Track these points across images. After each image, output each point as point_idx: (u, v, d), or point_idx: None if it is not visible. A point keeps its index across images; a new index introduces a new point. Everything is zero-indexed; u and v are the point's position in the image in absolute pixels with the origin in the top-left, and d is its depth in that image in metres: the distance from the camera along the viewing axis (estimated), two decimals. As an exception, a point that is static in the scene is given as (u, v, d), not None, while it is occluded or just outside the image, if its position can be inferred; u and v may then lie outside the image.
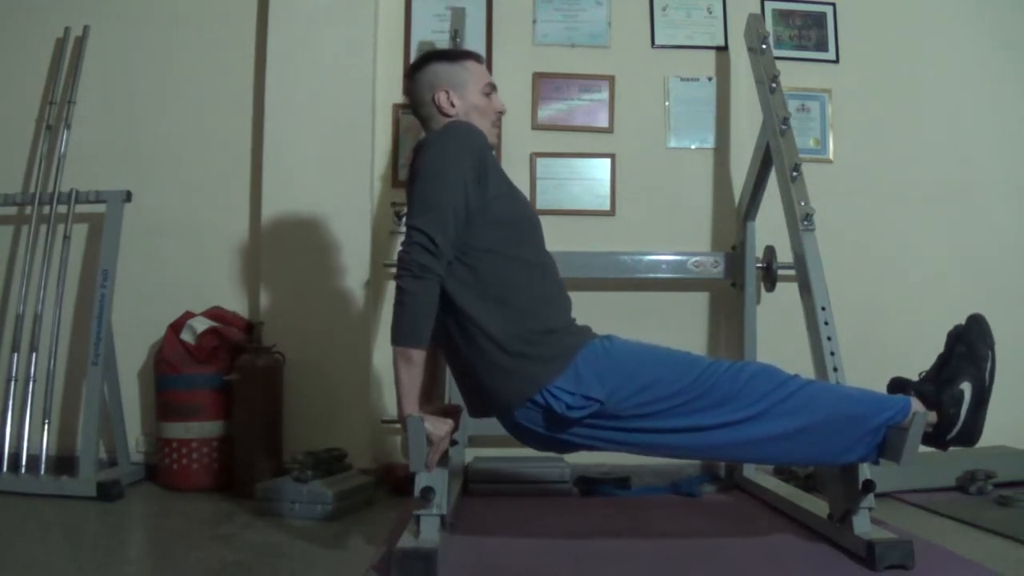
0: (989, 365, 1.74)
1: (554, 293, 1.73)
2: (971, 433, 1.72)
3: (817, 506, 2.09)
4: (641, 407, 1.62)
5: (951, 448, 1.76)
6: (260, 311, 2.81)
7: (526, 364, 1.62)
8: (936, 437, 1.71)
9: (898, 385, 1.78)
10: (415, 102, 1.89)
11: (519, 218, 1.74)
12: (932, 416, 1.69)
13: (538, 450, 1.79)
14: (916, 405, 1.70)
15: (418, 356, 1.63)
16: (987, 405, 1.73)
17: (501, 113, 1.91)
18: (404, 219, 2.33)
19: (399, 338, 1.62)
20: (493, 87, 1.90)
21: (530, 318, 1.64)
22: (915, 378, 1.78)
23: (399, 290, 1.61)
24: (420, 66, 1.88)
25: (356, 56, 2.89)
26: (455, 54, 1.92)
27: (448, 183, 1.65)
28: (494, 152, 1.90)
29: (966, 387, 1.71)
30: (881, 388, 1.81)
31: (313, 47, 2.87)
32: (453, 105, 1.83)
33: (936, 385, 1.72)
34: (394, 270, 1.70)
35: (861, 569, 1.75)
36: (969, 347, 1.74)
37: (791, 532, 2.08)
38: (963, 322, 1.80)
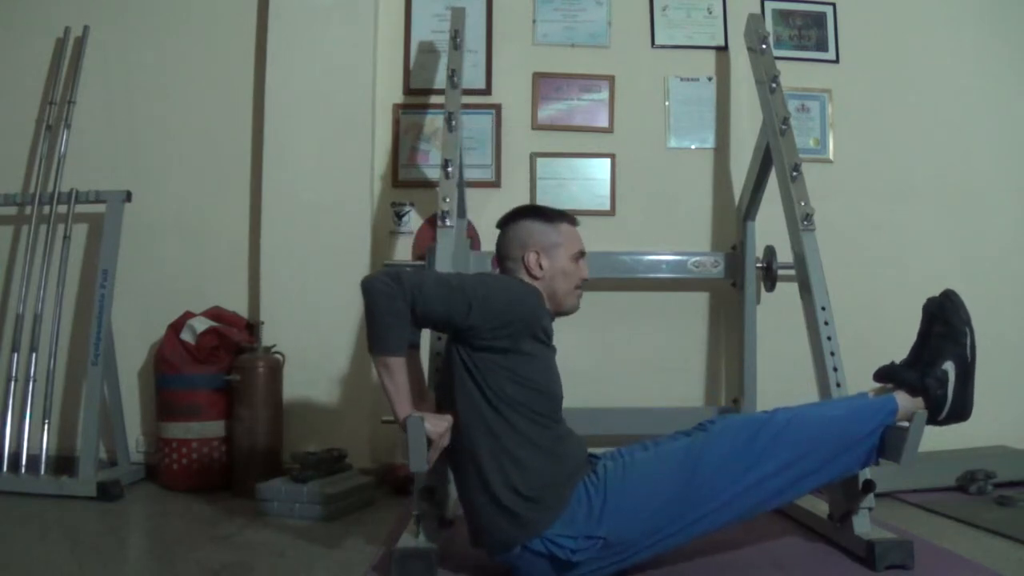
0: (969, 340, 1.72)
1: (560, 448, 1.69)
2: (962, 409, 1.71)
3: (817, 506, 2.09)
4: (646, 525, 1.61)
5: (949, 427, 1.74)
6: (260, 311, 2.81)
7: (520, 511, 1.61)
8: (928, 419, 1.70)
9: (885, 373, 1.77)
10: (502, 254, 1.86)
11: (543, 389, 1.69)
12: (920, 401, 1.69)
13: None
14: (902, 399, 1.70)
15: (396, 363, 1.63)
16: (973, 379, 1.72)
17: (585, 280, 1.89)
18: (403, 220, 2.34)
19: (374, 348, 1.63)
20: (583, 254, 1.88)
21: (535, 476, 1.63)
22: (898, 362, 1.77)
23: (364, 291, 1.60)
24: (514, 220, 1.86)
25: (356, 56, 2.89)
26: (551, 214, 1.87)
27: (479, 288, 1.64)
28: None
29: (949, 366, 1.70)
30: (881, 388, 1.81)
31: (313, 47, 2.87)
32: (541, 267, 1.81)
33: (918, 370, 1.72)
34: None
35: (861, 569, 1.75)
36: (946, 325, 1.73)
37: (791, 532, 2.08)
38: (937, 296, 1.79)
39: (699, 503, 1.62)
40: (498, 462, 1.63)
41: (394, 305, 1.59)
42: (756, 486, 1.63)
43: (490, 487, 1.63)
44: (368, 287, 1.61)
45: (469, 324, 1.62)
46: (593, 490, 1.64)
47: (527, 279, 1.81)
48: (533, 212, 1.89)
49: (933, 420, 1.70)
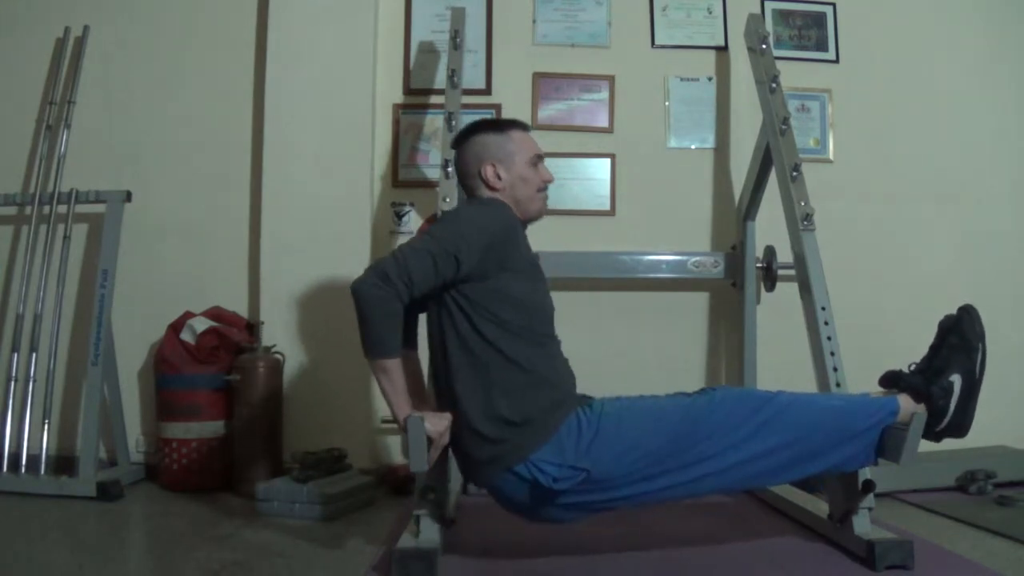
0: (980, 357, 1.72)
1: (553, 376, 1.72)
2: (961, 424, 1.71)
3: (817, 506, 2.09)
4: (630, 467, 1.62)
5: (944, 441, 1.74)
6: (260, 311, 2.81)
7: (509, 435, 1.63)
8: (927, 429, 1.70)
9: (890, 378, 1.77)
10: (461, 172, 1.89)
11: (531, 299, 1.72)
12: (922, 408, 1.69)
13: (536, 523, 1.77)
14: (904, 402, 1.70)
15: (392, 364, 1.64)
16: (977, 397, 1.72)
17: (548, 182, 1.89)
18: (403, 220, 2.34)
19: (369, 351, 1.64)
20: (540, 157, 1.89)
21: (521, 400, 1.64)
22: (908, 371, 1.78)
23: (355, 298, 1.61)
24: (466, 137, 1.88)
25: (356, 56, 2.89)
26: (502, 124, 1.89)
27: (458, 234, 1.65)
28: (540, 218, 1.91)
29: (956, 379, 1.70)
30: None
31: (313, 47, 2.87)
32: (500, 178, 1.82)
33: (925, 377, 1.72)
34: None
35: (861, 569, 1.75)
36: (961, 337, 1.73)
37: (791, 532, 2.08)
38: (955, 312, 1.79)
39: (688, 464, 1.63)
40: (487, 393, 1.64)
41: (388, 307, 1.60)
42: (748, 462, 1.64)
43: (479, 419, 1.64)
44: (359, 293, 1.60)
45: (462, 274, 1.65)
46: (586, 422, 1.65)
47: (488, 193, 1.82)
48: (483, 125, 1.90)
49: (931, 431, 1.70)
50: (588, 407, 1.69)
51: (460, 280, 1.67)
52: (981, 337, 1.73)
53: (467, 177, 1.87)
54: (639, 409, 1.69)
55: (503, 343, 1.66)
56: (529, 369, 1.67)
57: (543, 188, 1.88)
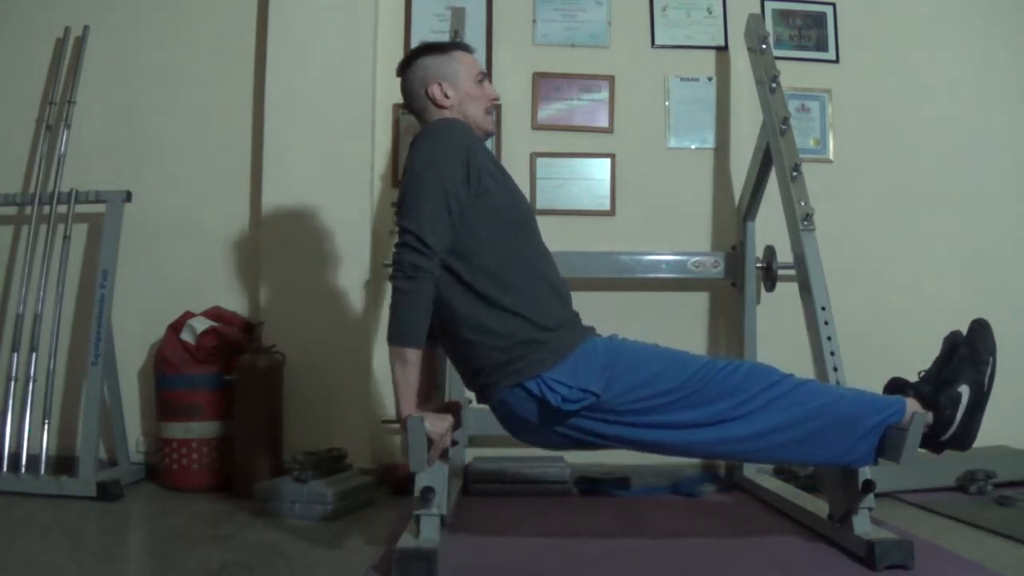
0: (989, 371, 1.73)
1: (550, 287, 1.73)
2: (966, 437, 1.72)
3: (817, 506, 2.09)
4: (637, 402, 1.63)
5: (943, 451, 1.75)
6: (260, 311, 2.81)
7: (523, 351, 1.63)
8: (930, 438, 1.70)
9: (896, 386, 1.78)
10: (408, 96, 1.90)
11: (512, 210, 1.75)
12: (929, 416, 1.69)
13: (528, 444, 1.78)
14: (912, 406, 1.70)
15: (413, 355, 1.64)
16: (983, 410, 1.72)
17: (495, 100, 1.92)
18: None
19: (394, 338, 1.64)
20: (484, 75, 1.91)
21: (526, 315, 1.65)
22: (914, 378, 1.78)
23: (394, 290, 1.64)
24: (411, 61, 1.89)
25: (356, 56, 2.89)
26: (444, 46, 1.93)
27: (436, 182, 1.66)
28: (491, 139, 1.92)
29: (964, 390, 1.71)
30: (880, 388, 1.81)
31: (313, 47, 2.87)
32: (447, 96, 1.84)
33: (934, 386, 1.72)
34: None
35: (861, 569, 1.75)
36: (972, 351, 1.74)
37: (791, 532, 2.08)
38: (958, 328, 1.80)
39: (697, 419, 1.63)
40: (481, 304, 1.65)
41: (425, 296, 1.62)
42: (754, 436, 1.64)
43: (485, 334, 1.64)
44: (399, 287, 1.62)
45: (459, 204, 1.66)
46: (603, 350, 1.67)
47: (438, 113, 1.83)
48: (425, 49, 1.91)
49: (934, 441, 1.71)
50: (611, 337, 1.72)
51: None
52: (992, 351, 1.74)
53: (414, 100, 1.88)
54: (658, 352, 1.71)
55: (491, 261, 1.67)
56: (524, 283, 1.68)
57: (490, 106, 1.90)
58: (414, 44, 2.99)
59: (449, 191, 1.65)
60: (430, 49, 1.90)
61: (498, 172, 1.80)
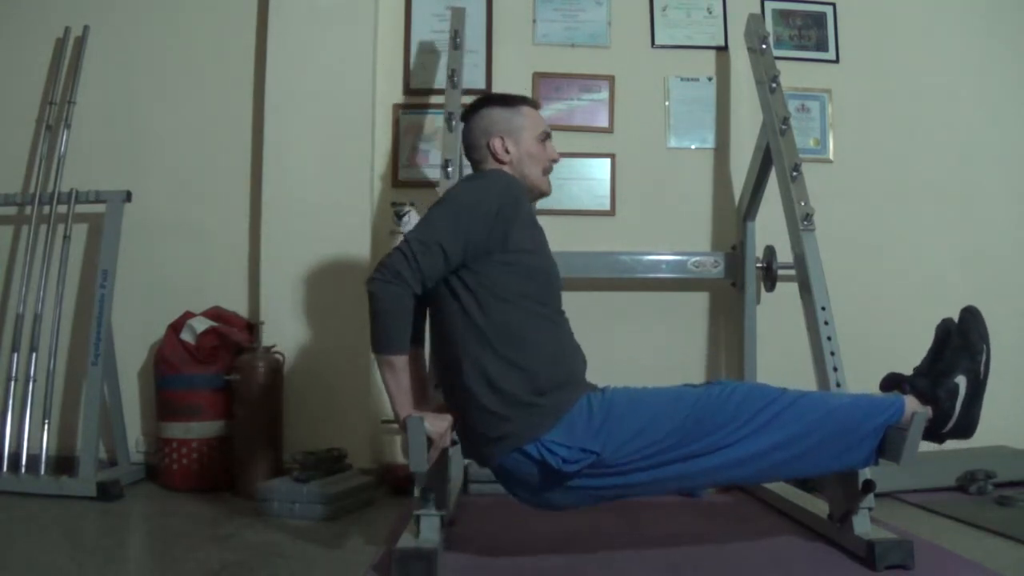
0: (984, 358, 1.72)
1: (561, 351, 1.71)
2: (967, 425, 1.71)
3: (817, 506, 2.09)
4: (638, 451, 1.61)
5: (948, 441, 1.74)
6: (260, 311, 2.81)
7: (520, 414, 1.62)
8: (932, 431, 1.70)
9: (892, 381, 1.77)
10: (468, 145, 1.88)
11: (540, 274, 1.71)
12: (928, 411, 1.69)
13: (536, 507, 1.75)
14: (910, 403, 1.70)
15: (400, 362, 1.65)
16: (982, 398, 1.72)
17: (554, 161, 1.89)
18: (403, 220, 2.35)
19: (378, 346, 1.64)
20: (548, 134, 1.89)
21: (531, 376, 1.63)
22: (911, 373, 1.78)
23: (371, 296, 1.62)
24: (475, 109, 1.87)
25: (356, 56, 2.89)
26: (512, 99, 1.89)
27: (457, 220, 1.65)
28: (546, 196, 1.92)
29: (961, 380, 1.70)
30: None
31: (313, 47, 2.87)
32: (507, 151, 1.82)
33: (930, 379, 1.72)
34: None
35: (861, 569, 1.75)
36: (965, 340, 1.73)
37: (791, 532, 2.08)
38: (950, 316, 1.79)
39: (697, 454, 1.62)
40: (497, 371, 1.63)
41: (401, 303, 1.61)
42: (756, 456, 1.63)
43: (488, 399, 1.63)
44: (374, 291, 1.61)
45: (471, 254, 1.64)
46: (597, 406, 1.64)
47: (494, 166, 1.81)
48: (493, 99, 1.90)
49: (936, 433, 1.70)
50: (600, 392, 1.69)
51: (469, 260, 1.66)
52: (985, 339, 1.73)
53: (474, 150, 1.86)
54: (651, 396, 1.69)
55: (511, 316, 1.65)
56: (539, 344, 1.66)
57: (550, 167, 1.88)
58: (414, 44, 3.03)
59: (466, 234, 1.63)
60: (497, 100, 1.88)
61: (538, 234, 1.78)
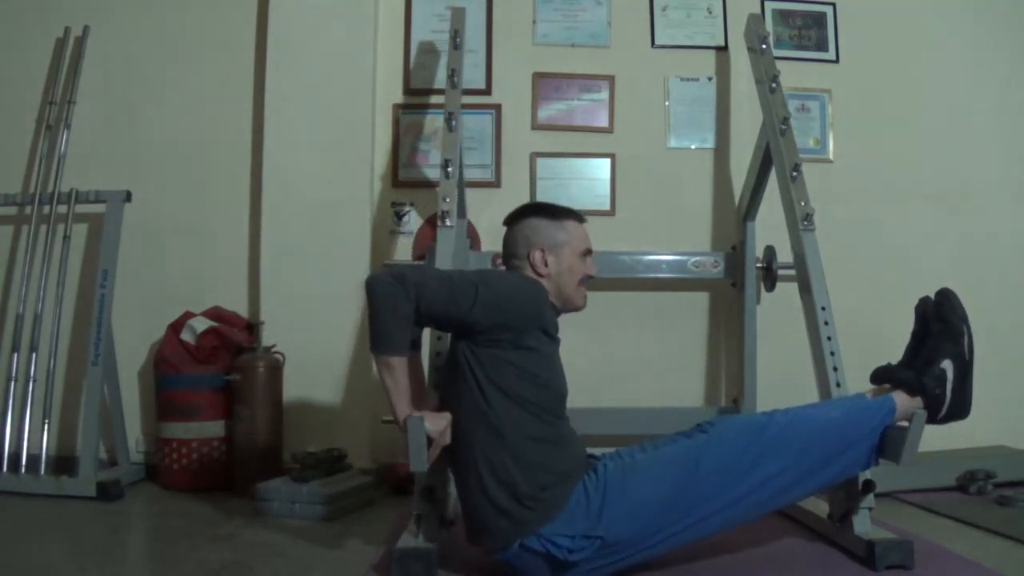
0: (966, 339, 1.72)
1: (561, 454, 1.69)
2: (961, 407, 1.71)
3: (817, 506, 2.09)
4: (640, 526, 1.61)
5: (947, 423, 1.74)
6: (260, 311, 2.81)
7: (519, 508, 1.61)
8: (928, 418, 1.70)
9: (882, 373, 1.77)
10: (508, 252, 1.86)
11: (544, 381, 1.69)
12: (919, 401, 1.69)
13: None
14: (900, 399, 1.70)
15: (398, 362, 1.64)
16: (971, 378, 1.71)
17: (590, 277, 1.87)
18: (403, 220, 2.34)
19: (377, 347, 1.64)
20: (589, 252, 1.87)
21: (532, 474, 1.63)
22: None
23: (368, 289, 1.61)
24: (521, 217, 1.86)
25: (356, 56, 2.89)
26: (558, 212, 1.87)
27: (481, 284, 1.64)
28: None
29: (948, 365, 1.70)
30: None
31: (313, 47, 2.87)
32: (547, 265, 1.80)
33: (915, 370, 1.71)
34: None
35: (861, 569, 1.75)
36: (944, 323, 1.73)
37: (791, 532, 2.08)
38: (930, 295, 1.78)
39: (698, 505, 1.62)
40: (500, 461, 1.63)
41: (398, 305, 1.60)
42: (756, 490, 1.63)
43: (489, 487, 1.63)
44: (372, 287, 1.61)
45: (472, 320, 1.63)
46: (593, 490, 1.64)
47: (531, 276, 1.80)
48: (539, 210, 1.88)
49: (932, 419, 1.70)
50: (592, 473, 1.67)
51: (469, 329, 1.65)
52: (964, 319, 1.73)
53: (514, 257, 1.85)
54: (642, 464, 1.68)
55: (516, 416, 1.64)
56: (540, 441, 1.65)
57: (584, 281, 1.86)
58: (414, 44, 3.03)
59: (469, 296, 1.62)
60: (543, 211, 1.86)
61: (551, 348, 1.75)
